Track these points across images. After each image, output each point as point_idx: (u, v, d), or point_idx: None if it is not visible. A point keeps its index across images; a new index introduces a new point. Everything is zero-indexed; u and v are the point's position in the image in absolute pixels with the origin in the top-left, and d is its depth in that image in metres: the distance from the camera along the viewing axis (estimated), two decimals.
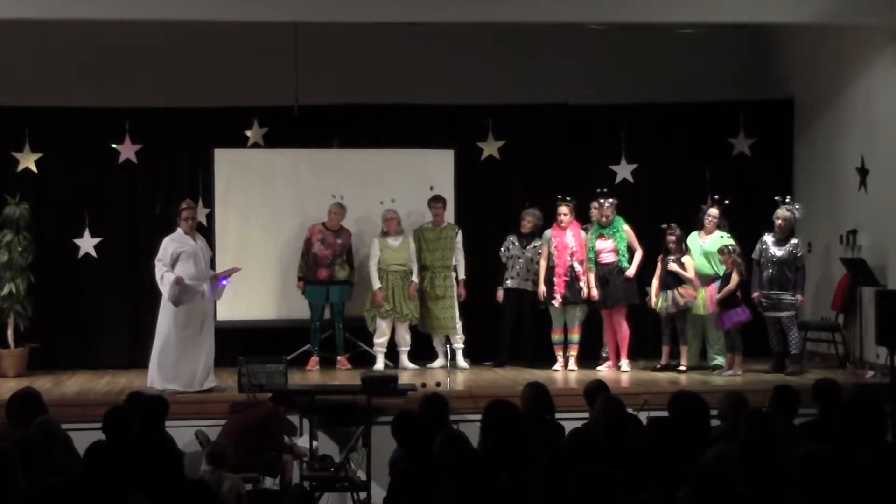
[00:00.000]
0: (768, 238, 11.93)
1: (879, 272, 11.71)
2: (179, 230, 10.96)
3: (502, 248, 12.61)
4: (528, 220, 12.57)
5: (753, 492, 5.29)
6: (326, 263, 12.42)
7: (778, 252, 11.84)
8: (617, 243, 12.09)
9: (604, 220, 12.11)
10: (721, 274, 11.77)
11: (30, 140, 12.86)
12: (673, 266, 11.89)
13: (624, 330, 12.13)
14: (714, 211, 12.11)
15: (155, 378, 10.71)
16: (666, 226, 12.02)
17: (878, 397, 7.56)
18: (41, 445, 6.26)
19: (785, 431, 6.61)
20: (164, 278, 10.77)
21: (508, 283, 12.58)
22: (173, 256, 10.78)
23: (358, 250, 12.70)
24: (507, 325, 12.68)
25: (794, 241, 11.88)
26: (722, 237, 11.95)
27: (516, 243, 12.58)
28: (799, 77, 13.60)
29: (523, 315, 12.62)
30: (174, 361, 10.69)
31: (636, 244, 12.17)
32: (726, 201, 12.15)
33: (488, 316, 12.72)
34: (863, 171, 12.15)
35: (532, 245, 12.52)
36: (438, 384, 9.85)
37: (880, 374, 10.94)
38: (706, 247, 11.96)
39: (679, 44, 12.98)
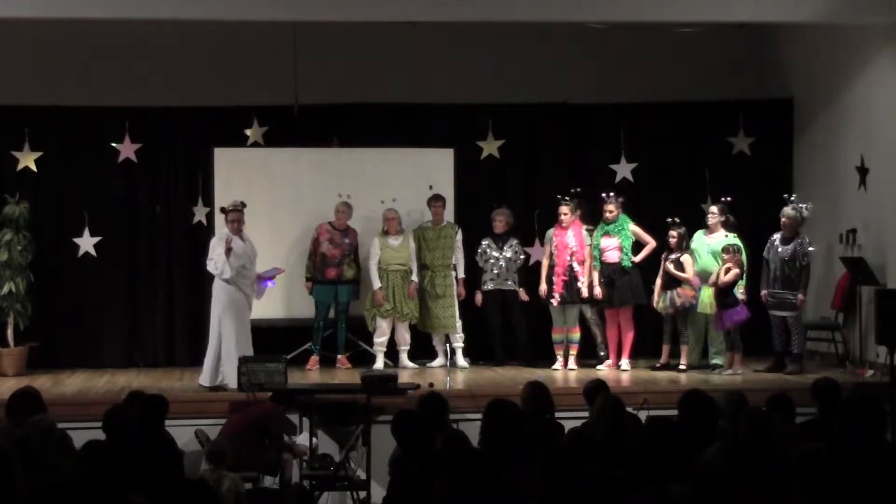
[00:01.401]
0: (777, 236, 11.92)
1: (879, 271, 11.71)
2: (226, 230, 11.13)
3: (478, 252, 12.58)
4: (500, 219, 12.55)
5: (752, 491, 5.29)
6: (335, 263, 12.42)
7: (783, 251, 11.83)
8: (622, 241, 12.07)
9: (608, 215, 12.10)
10: None
11: (29, 139, 12.84)
12: (668, 266, 11.89)
13: (629, 330, 12.13)
14: (714, 209, 12.09)
15: (230, 376, 10.77)
16: (670, 220, 12.00)
17: (878, 396, 7.57)
18: (38, 444, 6.26)
19: (784, 431, 6.62)
20: (219, 261, 10.90)
21: (489, 285, 12.55)
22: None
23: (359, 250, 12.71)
24: (494, 327, 12.66)
25: (799, 240, 11.86)
26: (725, 237, 11.93)
27: (493, 245, 12.57)
28: (799, 77, 13.59)
29: (511, 315, 12.62)
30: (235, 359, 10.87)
31: (647, 237, 12.14)
32: (728, 199, 12.11)
33: (488, 315, 12.72)
34: (862, 171, 12.15)
35: (508, 244, 12.52)
36: (431, 385, 9.85)
37: (880, 373, 10.94)
38: (713, 246, 11.92)
39: (679, 43, 12.96)
